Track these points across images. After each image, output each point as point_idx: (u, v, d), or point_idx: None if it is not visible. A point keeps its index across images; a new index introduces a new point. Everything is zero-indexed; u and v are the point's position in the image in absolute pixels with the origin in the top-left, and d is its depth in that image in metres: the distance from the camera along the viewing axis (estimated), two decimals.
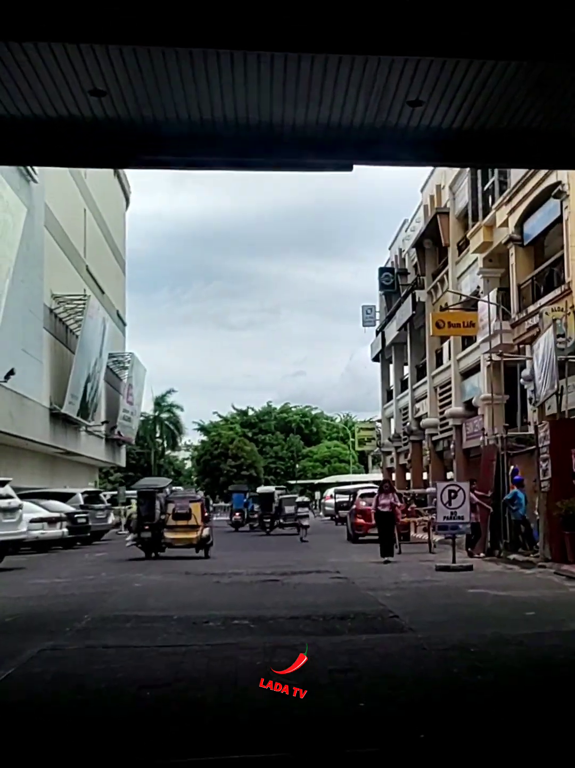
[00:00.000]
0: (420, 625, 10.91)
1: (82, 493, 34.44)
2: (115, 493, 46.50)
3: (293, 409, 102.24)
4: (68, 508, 30.66)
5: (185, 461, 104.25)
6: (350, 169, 10.82)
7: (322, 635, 10.22)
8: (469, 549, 21.91)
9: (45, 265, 44.35)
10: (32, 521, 26.42)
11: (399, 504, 22.12)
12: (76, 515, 30.45)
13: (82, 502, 33.01)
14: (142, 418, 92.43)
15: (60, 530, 28.18)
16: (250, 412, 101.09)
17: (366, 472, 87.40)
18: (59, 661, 8.74)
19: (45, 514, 27.86)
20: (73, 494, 33.89)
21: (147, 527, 24.89)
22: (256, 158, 9.86)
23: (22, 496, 29.80)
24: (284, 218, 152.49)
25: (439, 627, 10.84)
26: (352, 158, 10.50)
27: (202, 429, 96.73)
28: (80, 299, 47.30)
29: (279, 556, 24.17)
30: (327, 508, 50.52)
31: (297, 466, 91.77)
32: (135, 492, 29.06)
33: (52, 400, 45.59)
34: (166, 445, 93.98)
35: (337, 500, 47.83)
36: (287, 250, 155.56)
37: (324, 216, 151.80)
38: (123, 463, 71.21)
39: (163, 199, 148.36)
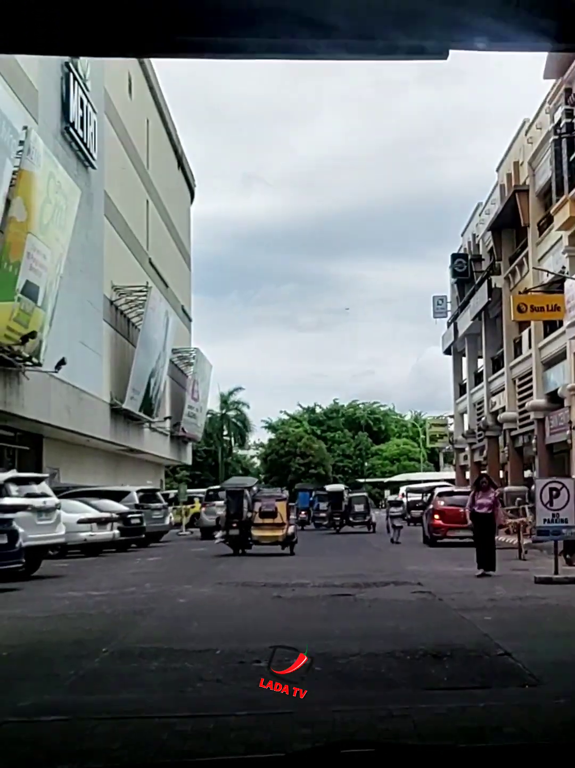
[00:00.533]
0: (542, 669, 7.86)
1: (137, 492, 31.61)
2: (176, 491, 43.71)
3: (361, 406, 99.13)
4: (121, 507, 27.91)
5: (253, 459, 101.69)
6: (444, 56, 7.12)
7: (413, 687, 7.29)
8: (568, 556, 18.65)
9: (105, 256, 41.93)
10: (80, 522, 23.82)
11: (498, 505, 18.76)
12: (129, 515, 27.75)
13: (136, 501, 30.28)
14: (208, 416, 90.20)
15: (110, 532, 25.43)
16: (318, 410, 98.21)
17: (437, 470, 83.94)
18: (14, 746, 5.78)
19: (94, 514, 25.12)
20: (127, 493, 31.13)
21: (235, 525, 25.08)
22: (312, 39, 6.37)
23: (72, 495, 27.40)
24: (354, 219, 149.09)
25: (571, 672, 7.83)
26: (445, 39, 6.92)
27: (270, 427, 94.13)
28: (141, 291, 44.75)
29: (350, 562, 21.24)
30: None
31: (366, 464, 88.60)
32: (202, 490, 27.22)
33: (113, 395, 43.14)
34: (233, 442, 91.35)
35: (409, 499, 44.63)
36: (357, 251, 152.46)
37: (392, 216, 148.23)
38: (189, 462, 68.77)
39: (231, 201, 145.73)
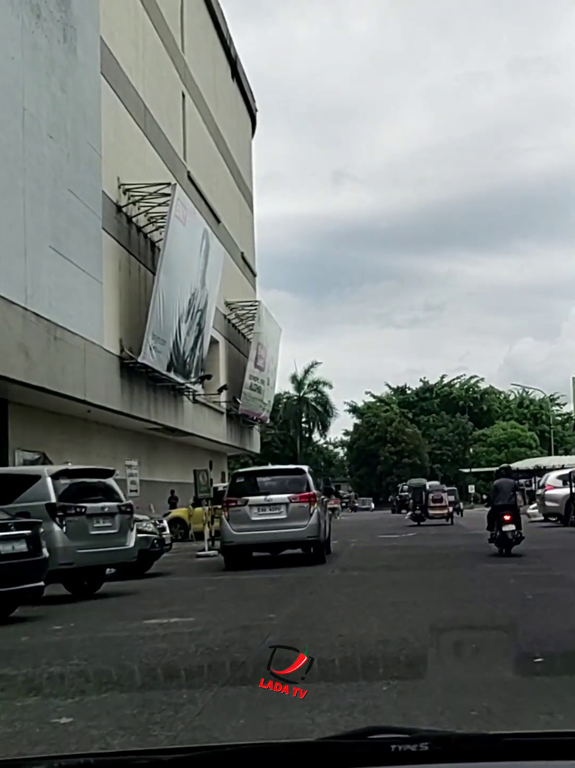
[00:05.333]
0: None
1: (57, 476, 13.80)
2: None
3: (456, 384, 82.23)
4: None
5: (336, 449, 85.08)
6: None
7: None
8: None
9: (102, 130, 26.23)
10: None
11: None
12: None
13: (49, 497, 13.47)
14: (285, 399, 74.12)
15: None
16: (408, 391, 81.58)
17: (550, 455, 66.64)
18: None
19: None
20: (30, 478, 14.19)
21: (417, 508, 36.48)
22: None
23: None
24: (447, 214, 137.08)
25: None
26: None
27: (355, 410, 77.96)
28: (160, 189, 28.89)
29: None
30: (548, 504, 30.63)
31: (470, 450, 71.27)
32: None
33: (123, 345, 27.47)
34: (312, 427, 75.03)
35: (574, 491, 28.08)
36: (451, 246, 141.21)
37: (485, 211, 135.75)
38: (257, 449, 52.93)
39: (323, 200, 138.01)
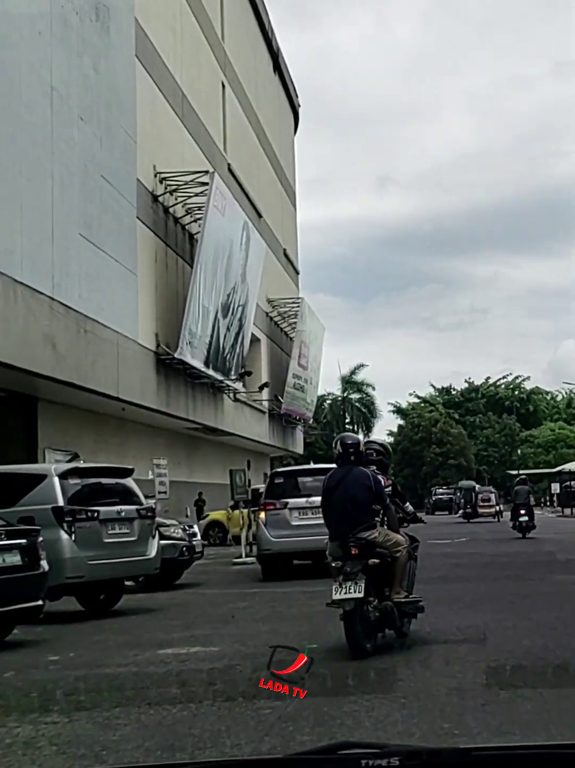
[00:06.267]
0: None
1: (64, 475, 11.52)
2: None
3: (501, 384, 79.66)
4: None
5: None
6: None
7: None
8: None
9: (137, 116, 24.61)
10: None
11: None
12: None
13: (57, 500, 11.39)
14: (329, 400, 72.21)
15: None
16: (453, 391, 79.21)
17: None
18: None
19: None
20: (35, 478, 12.17)
21: (468, 508, 40.63)
22: None
23: None
24: (490, 218, 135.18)
25: None
26: None
27: (399, 411, 75.68)
28: (197, 178, 27.17)
29: None
30: None
31: (518, 451, 68.70)
32: None
33: (159, 339, 25.80)
34: (356, 429, 72.90)
35: None
36: (495, 249, 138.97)
37: (528, 213, 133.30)
38: (300, 450, 51.03)
39: (366, 204, 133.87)
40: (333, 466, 8.93)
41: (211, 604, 11.51)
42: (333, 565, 7.46)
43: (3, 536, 8.41)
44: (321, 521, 14.37)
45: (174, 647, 7.95)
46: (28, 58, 18.53)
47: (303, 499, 14.77)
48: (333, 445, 8.31)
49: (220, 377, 29.42)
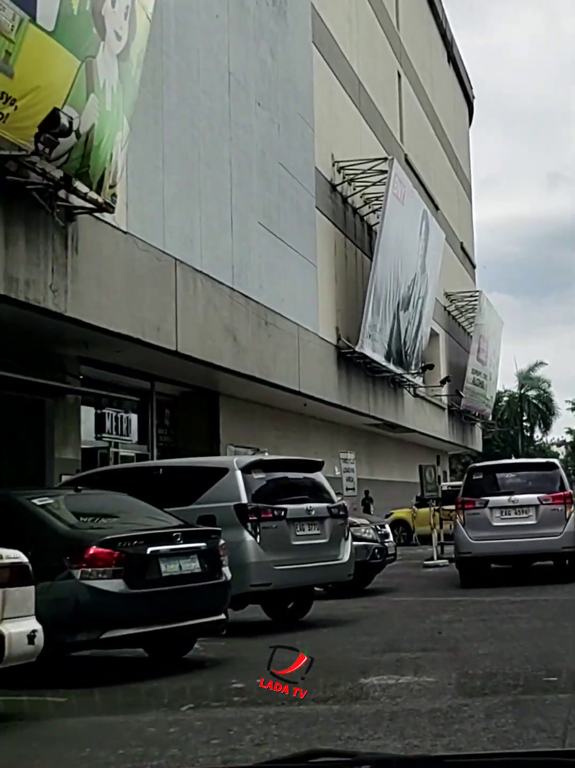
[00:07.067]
0: None
1: (248, 469, 9.50)
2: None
3: None
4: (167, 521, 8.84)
5: (558, 448, 78.88)
6: None
7: None
8: None
9: (314, 104, 23.45)
10: None
11: None
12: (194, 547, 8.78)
13: (241, 498, 9.43)
14: (506, 397, 69.19)
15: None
16: None
17: None
18: None
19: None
20: (192, 471, 10.33)
21: None
22: None
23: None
24: None
25: None
26: None
27: None
28: (376, 166, 25.71)
29: None
30: None
31: None
32: None
33: (339, 332, 24.54)
34: (533, 426, 69.49)
35: None
36: None
37: None
38: (479, 448, 48.76)
39: (537, 203, 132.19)
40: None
41: (410, 616, 10.05)
42: None
43: (179, 539, 7.16)
44: (526, 522, 12.89)
45: (378, 675, 6.54)
46: (206, 41, 17.63)
47: (505, 497, 13.14)
48: None
49: (400, 371, 27.89)
